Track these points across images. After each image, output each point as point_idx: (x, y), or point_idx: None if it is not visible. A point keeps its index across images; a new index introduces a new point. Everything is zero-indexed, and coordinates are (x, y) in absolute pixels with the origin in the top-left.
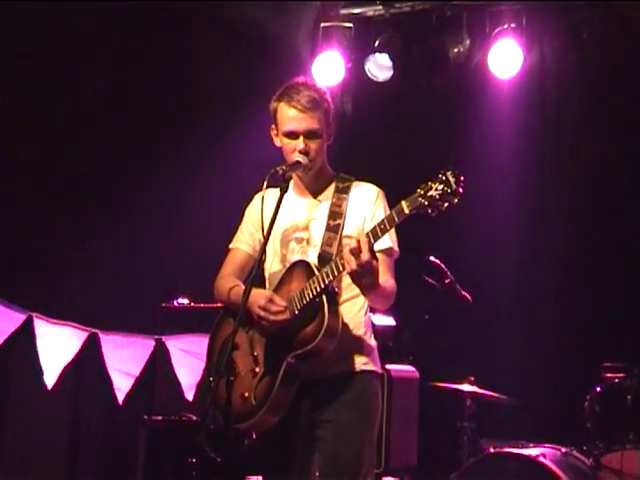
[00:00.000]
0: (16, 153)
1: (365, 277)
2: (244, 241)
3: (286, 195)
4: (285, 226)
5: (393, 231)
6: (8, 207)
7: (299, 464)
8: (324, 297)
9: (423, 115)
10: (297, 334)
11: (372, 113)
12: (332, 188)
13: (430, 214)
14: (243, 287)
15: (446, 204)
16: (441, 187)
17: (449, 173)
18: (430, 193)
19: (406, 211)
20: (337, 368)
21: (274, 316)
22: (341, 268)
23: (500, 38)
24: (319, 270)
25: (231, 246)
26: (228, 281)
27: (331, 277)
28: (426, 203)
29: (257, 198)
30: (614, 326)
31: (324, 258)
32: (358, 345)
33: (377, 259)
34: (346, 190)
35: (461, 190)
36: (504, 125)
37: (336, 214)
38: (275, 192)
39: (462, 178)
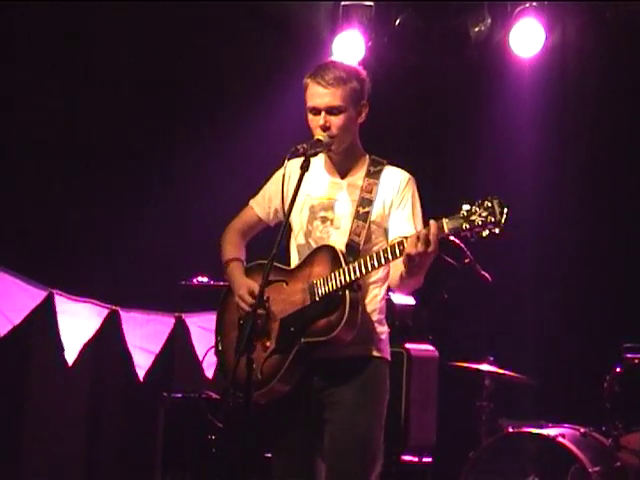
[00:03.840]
0: (37, 129)
1: (418, 265)
2: (261, 204)
3: (318, 171)
4: (313, 202)
5: (421, 218)
6: (28, 184)
7: (306, 443)
8: (347, 291)
9: (444, 94)
10: (315, 322)
11: (392, 92)
12: (363, 171)
13: (469, 238)
14: (239, 264)
15: (486, 232)
16: (485, 214)
17: (495, 202)
18: (472, 218)
19: (445, 230)
20: (350, 351)
21: (245, 306)
22: (374, 265)
23: (522, 17)
24: (347, 262)
25: (250, 202)
26: (232, 242)
27: (359, 274)
28: (467, 227)
29: (287, 168)
30: (635, 306)
31: (352, 248)
32: (372, 331)
33: (436, 252)
34: (377, 175)
35: (504, 222)
36: (525, 104)
37: (366, 201)
38: (310, 165)
39: (507, 210)
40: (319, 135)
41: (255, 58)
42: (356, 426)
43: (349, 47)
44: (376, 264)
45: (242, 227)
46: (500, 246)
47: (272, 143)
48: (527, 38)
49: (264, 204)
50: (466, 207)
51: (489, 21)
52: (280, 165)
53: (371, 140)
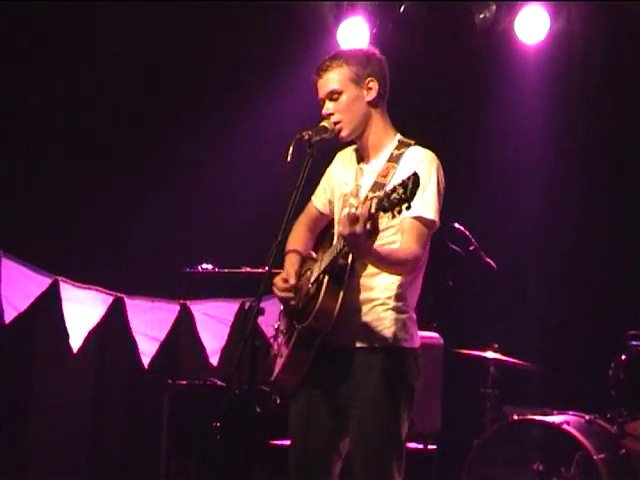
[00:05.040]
0: (44, 117)
1: (353, 245)
2: (318, 196)
3: (351, 162)
4: (345, 192)
5: (434, 200)
6: (35, 172)
7: (323, 437)
8: (326, 276)
9: (448, 81)
10: (306, 308)
11: (396, 79)
12: (386, 156)
13: (393, 217)
14: (292, 255)
15: (397, 209)
16: (401, 191)
17: (412, 178)
18: (393, 195)
19: (372, 209)
20: (364, 341)
21: (279, 292)
22: (337, 250)
23: (526, 3)
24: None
25: (312, 197)
26: (295, 234)
27: (333, 257)
28: (387, 205)
29: (337, 158)
30: None
31: None
32: (389, 319)
33: (372, 237)
34: (398, 158)
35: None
36: (530, 90)
37: (378, 185)
38: (350, 154)
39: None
40: (324, 122)
41: (260, 47)
42: (375, 426)
43: (354, 34)
44: (338, 249)
45: (306, 221)
46: (505, 233)
47: (275, 131)
48: (532, 25)
49: (321, 197)
50: (390, 186)
51: (494, 8)
52: (286, 153)
53: None
